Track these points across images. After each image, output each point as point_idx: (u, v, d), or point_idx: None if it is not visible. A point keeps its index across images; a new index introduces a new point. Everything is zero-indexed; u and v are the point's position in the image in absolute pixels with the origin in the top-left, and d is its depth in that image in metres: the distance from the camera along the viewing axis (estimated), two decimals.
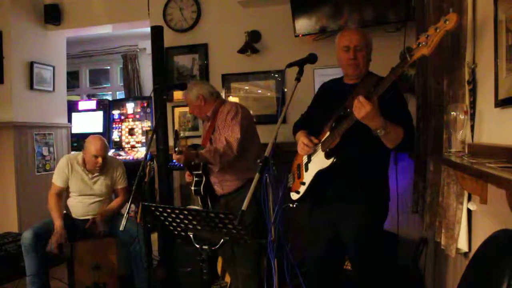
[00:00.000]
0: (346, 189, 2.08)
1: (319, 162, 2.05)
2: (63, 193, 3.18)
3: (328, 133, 2.03)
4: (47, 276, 3.01)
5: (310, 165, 2.12)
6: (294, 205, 2.19)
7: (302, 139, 2.11)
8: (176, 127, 4.12)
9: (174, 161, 3.74)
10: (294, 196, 2.18)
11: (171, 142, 3.59)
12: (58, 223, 2.97)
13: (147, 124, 5.41)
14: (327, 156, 2.00)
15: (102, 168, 3.14)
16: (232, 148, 2.60)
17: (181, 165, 3.67)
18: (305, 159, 2.17)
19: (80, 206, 3.15)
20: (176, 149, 2.52)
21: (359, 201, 2.06)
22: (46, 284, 3.00)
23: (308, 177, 2.12)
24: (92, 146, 3.08)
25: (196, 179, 2.79)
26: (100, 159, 3.10)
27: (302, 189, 2.14)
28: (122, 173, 3.28)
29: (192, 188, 2.80)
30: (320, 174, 2.05)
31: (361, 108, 1.75)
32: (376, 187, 2.10)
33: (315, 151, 2.09)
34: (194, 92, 2.80)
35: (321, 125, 2.10)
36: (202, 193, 2.77)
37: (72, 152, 4.80)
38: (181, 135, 2.60)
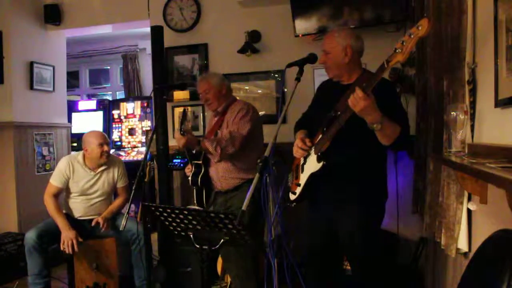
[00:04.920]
0: (341, 191, 2.09)
1: (312, 165, 2.06)
2: (60, 194, 3.16)
3: (320, 136, 2.04)
4: (49, 276, 3.01)
5: (305, 167, 2.13)
6: (292, 205, 2.21)
7: (296, 142, 2.12)
8: (176, 127, 4.11)
9: (174, 161, 3.76)
10: (292, 196, 2.21)
11: (171, 142, 3.59)
12: (65, 228, 2.93)
13: (147, 124, 5.41)
14: (318, 160, 2.01)
15: (108, 157, 3.13)
16: (234, 143, 2.60)
17: (182, 164, 3.70)
18: (302, 160, 2.18)
19: (82, 206, 3.15)
20: (183, 126, 2.52)
21: (354, 202, 2.07)
22: (48, 284, 2.99)
23: (303, 178, 2.13)
24: (94, 138, 3.08)
25: (195, 169, 2.79)
26: (106, 146, 3.10)
27: (298, 190, 2.16)
28: (123, 171, 3.27)
29: (189, 178, 2.80)
30: (313, 177, 2.06)
31: (359, 102, 1.75)
32: (371, 187, 2.10)
33: (309, 153, 2.09)
34: (218, 79, 2.78)
35: (317, 126, 2.10)
36: (199, 184, 2.77)
37: (72, 153, 4.80)
38: (185, 125, 2.60)
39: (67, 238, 2.90)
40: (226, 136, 2.61)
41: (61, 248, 2.92)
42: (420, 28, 1.59)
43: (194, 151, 2.74)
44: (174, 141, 2.82)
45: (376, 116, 1.80)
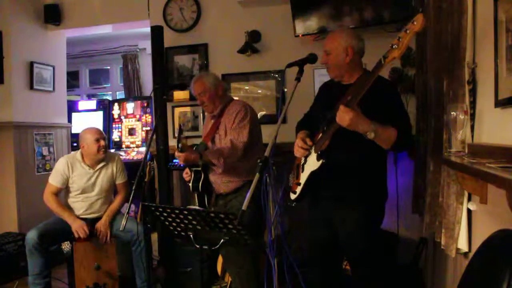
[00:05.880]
0: (340, 190, 2.09)
1: (312, 163, 2.07)
2: (60, 193, 3.16)
3: (320, 135, 2.04)
4: (50, 276, 3.01)
5: (306, 166, 2.14)
6: (293, 205, 2.22)
7: (297, 142, 2.13)
8: (176, 127, 4.12)
9: (174, 161, 3.75)
10: (292, 196, 2.21)
11: (171, 142, 3.59)
12: (72, 219, 3.01)
13: (147, 124, 5.40)
14: (318, 158, 2.02)
15: (105, 152, 3.14)
16: (237, 151, 2.57)
17: (182, 165, 3.69)
18: (302, 159, 2.18)
19: (83, 204, 3.15)
20: (180, 144, 2.49)
21: (354, 201, 2.07)
22: (49, 284, 2.99)
23: (303, 178, 2.13)
24: (90, 134, 3.10)
25: (195, 175, 2.76)
26: (102, 142, 3.11)
27: (298, 189, 2.16)
28: (121, 167, 3.28)
29: (190, 184, 2.78)
30: (313, 176, 2.06)
31: (344, 117, 1.79)
32: (370, 187, 2.10)
33: (310, 152, 2.10)
34: (213, 78, 2.69)
35: (318, 126, 2.11)
36: (200, 189, 2.76)
37: (71, 153, 4.80)
38: (182, 141, 2.56)
39: (78, 227, 2.99)
40: (227, 145, 2.57)
41: (76, 236, 2.99)
42: (415, 23, 1.60)
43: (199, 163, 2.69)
44: (174, 141, 2.81)
45: (366, 126, 1.82)
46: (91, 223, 3.11)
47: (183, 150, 2.53)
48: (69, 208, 3.17)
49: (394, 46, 1.67)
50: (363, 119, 1.81)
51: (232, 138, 2.60)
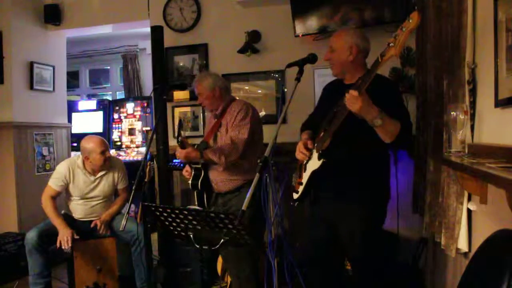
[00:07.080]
0: (342, 189, 2.09)
1: (313, 163, 2.07)
2: (58, 196, 3.14)
3: (322, 134, 2.05)
4: (50, 276, 3.01)
5: (308, 166, 2.14)
6: (295, 204, 2.22)
7: (298, 145, 2.13)
8: (176, 125, 4.11)
9: (174, 161, 3.75)
10: (294, 195, 2.21)
11: (171, 142, 3.59)
12: (62, 227, 2.94)
13: (147, 124, 5.41)
14: (319, 157, 2.02)
15: (110, 161, 3.13)
16: (237, 149, 2.57)
17: (182, 164, 3.69)
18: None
19: (83, 208, 3.15)
20: (179, 138, 2.49)
21: (355, 201, 2.07)
22: (49, 284, 2.99)
23: (305, 177, 2.14)
24: (95, 145, 3.05)
25: (195, 173, 2.76)
26: (108, 153, 3.09)
27: (300, 189, 2.16)
28: (123, 173, 3.26)
29: (190, 182, 2.77)
30: (314, 175, 2.07)
31: (355, 101, 1.76)
32: (371, 186, 2.10)
33: (311, 152, 2.10)
34: (210, 82, 2.70)
35: (320, 126, 2.12)
36: (199, 187, 2.76)
37: (73, 153, 4.80)
38: (182, 135, 2.57)
39: (63, 236, 2.90)
40: (228, 143, 2.57)
41: (57, 247, 2.92)
42: (411, 20, 1.60)
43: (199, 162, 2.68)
44: (174, 141, 2.81)
45: (374, 112, 1.81)
46: (90, 224, 3.10)
47: (184, 146, 2.54)
48: (69, 211, 3.17)
49: (390, 44, 1.68)
50: (372, 105, 1.80)
51: (232, 135, 2.60)
